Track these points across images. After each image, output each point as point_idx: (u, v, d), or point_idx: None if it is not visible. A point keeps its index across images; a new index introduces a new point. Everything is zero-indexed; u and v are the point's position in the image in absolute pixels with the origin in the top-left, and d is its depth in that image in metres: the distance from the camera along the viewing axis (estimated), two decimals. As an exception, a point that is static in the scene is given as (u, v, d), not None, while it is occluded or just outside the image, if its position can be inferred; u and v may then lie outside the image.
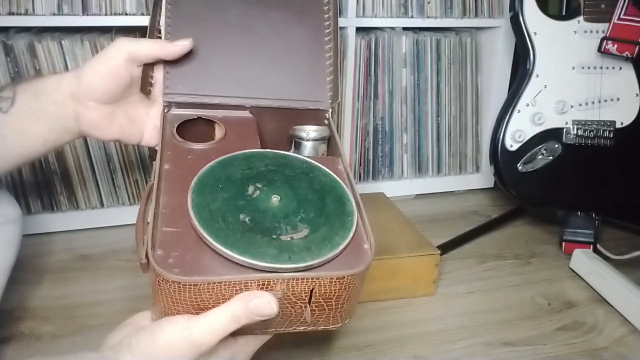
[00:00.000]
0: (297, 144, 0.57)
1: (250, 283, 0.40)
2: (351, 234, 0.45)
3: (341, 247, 0.43)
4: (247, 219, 0.44)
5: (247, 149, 0.52)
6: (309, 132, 0.56)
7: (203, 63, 0.59)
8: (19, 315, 0.70)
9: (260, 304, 0.40)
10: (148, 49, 0.55)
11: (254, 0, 0.62)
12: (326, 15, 0.63)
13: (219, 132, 0.58)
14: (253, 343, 0.46)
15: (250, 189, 0.47)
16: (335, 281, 0.42)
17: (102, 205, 0.92)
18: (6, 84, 0.53)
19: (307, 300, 0.42)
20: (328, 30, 0.63)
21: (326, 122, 0.61)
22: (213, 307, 0.41)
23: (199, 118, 0.58)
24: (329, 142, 0.58)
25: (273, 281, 0.40)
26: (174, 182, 0.47)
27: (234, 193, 0.46)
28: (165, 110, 0.58)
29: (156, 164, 0.50)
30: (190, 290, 0.40)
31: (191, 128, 0.58)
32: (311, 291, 0.42)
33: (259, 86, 0.60)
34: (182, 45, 0.56)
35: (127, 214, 0.93)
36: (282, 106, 0.60)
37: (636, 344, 0.69)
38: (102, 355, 0.41)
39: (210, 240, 0.41)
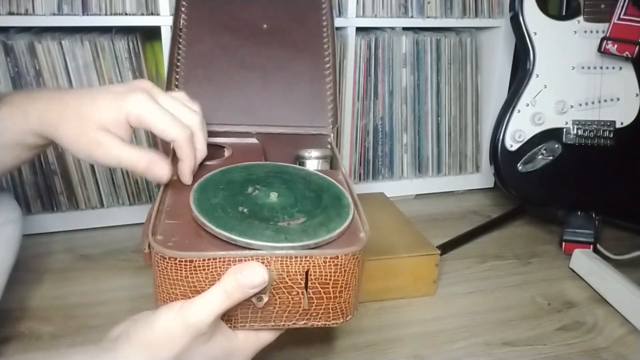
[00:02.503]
0: (300, 163, 0.59)
1: (245, 261, 0.41)
2: (347, 222, 0.46)
3: (337, 231, 0.44)
4: (245, 210, 0.46)
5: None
6: (311, 151, 0.58)
7: (213, 96, 0.65)
8: (19, 315, 0.70)
9: (249, 273, 0.41)
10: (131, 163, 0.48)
11: (260, 41, 0.68)
12: (326, 52, 0.69)
13: (227, 154, 0.61)
14: (253, 342, 0.46)
15: (250, 189, 0.49)
16: (329, 261, 0.42)
17: (102, 205, 0.93)
18: None
19: (303, 285, 0.43)
20: (328, 65, 0.68)
21: (329, 146, 0.64)
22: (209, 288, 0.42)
23: (209, 144, 0.61)
24: (332, 163, 0.60)
25: (267, 259, 0.41)
26: (179, 189, 0.50)
27: (233, 192, 0.48)
28: None
29: None
30: (187, 267, 0.41)
31: None
32: (306, 273, 0.42)
33: (264, 115, 0.65)
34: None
35: (127, 214, 0.93)
36: (286, 132, 0.65)
37: (636, 344, 0.69)
38: (100, 346, 0.42)
39: (208, 225, 0.43)
